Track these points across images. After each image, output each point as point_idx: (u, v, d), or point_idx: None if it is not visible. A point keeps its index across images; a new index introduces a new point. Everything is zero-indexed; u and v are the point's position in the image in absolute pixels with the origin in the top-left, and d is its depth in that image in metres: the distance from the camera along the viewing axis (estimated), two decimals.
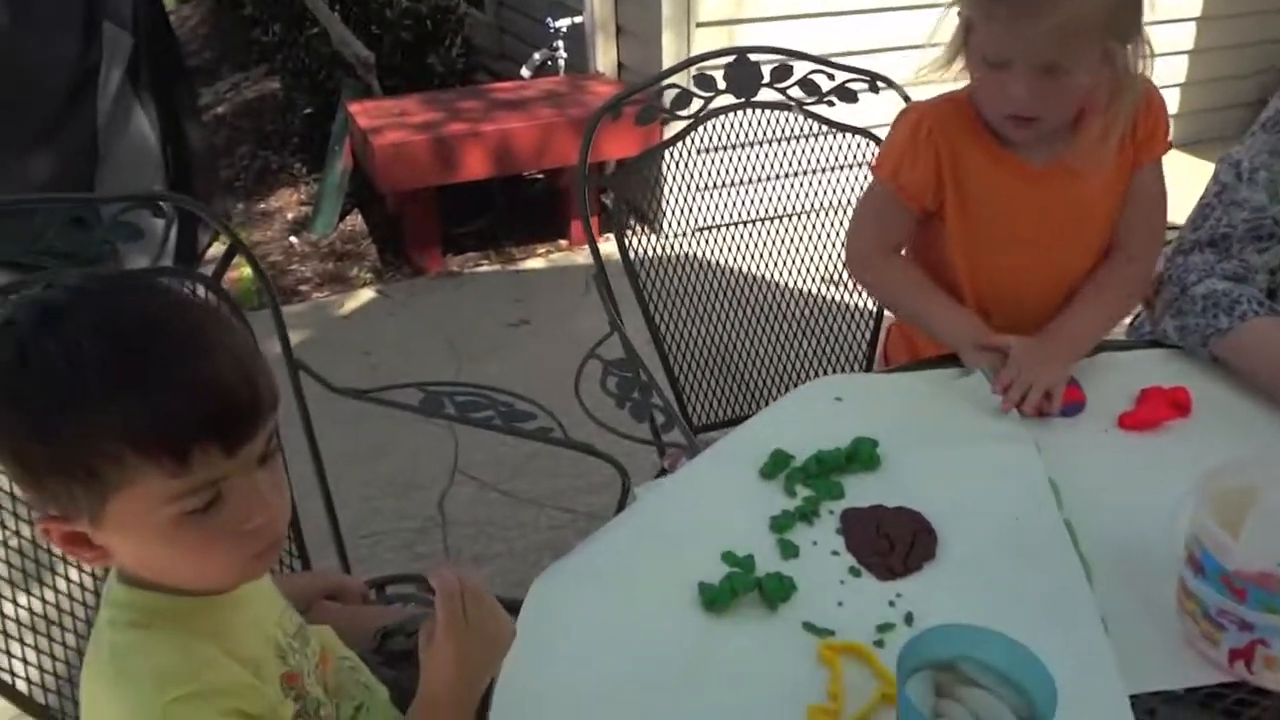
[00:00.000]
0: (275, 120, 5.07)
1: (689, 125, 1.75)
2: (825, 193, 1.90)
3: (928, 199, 1.43)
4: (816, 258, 1.90)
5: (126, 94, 3.44)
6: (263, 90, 5.45)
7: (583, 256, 3.93)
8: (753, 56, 1.76)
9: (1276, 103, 1.46)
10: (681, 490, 1.19)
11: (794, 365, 1.94)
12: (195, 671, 0.78)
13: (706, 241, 1.90)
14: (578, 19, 4.18)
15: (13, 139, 3.15)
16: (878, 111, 1.55)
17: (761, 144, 1.85)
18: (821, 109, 1.80)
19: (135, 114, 3.48)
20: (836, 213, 1.86)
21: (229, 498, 0.77)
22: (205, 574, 0.82)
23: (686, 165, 1.85)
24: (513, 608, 0.95)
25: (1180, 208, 1.54)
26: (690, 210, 1.99)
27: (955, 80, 1.40)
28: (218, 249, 3.77)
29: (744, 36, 3.71)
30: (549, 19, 4.25)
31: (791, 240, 1.90)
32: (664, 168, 1.86)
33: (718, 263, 1.92)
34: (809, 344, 1.94)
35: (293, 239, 4.07)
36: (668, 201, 1.94)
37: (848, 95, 1.80)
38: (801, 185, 1.91)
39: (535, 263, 3.92)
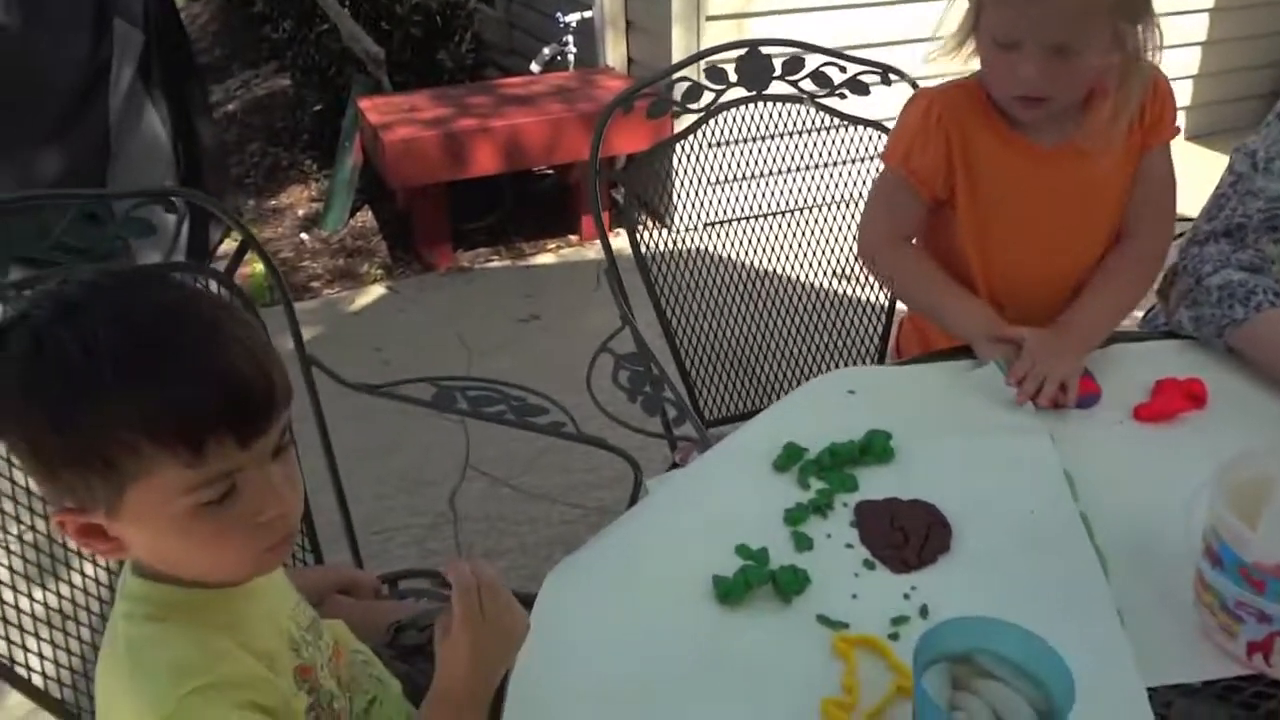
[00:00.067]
0: (286, 117, 5.08)
1: (700, 119, 1.75)
2: (837, 186, 1.90)
3: (939, 185, 1.43)
4: (828, 252, 1.89)
5: (138, 91, 3.45)
6: (273, 87, 5.46)
7: (593, 252, 3.92)
8: (764, 49, 1.75)
9: None
10: (695, 483, 1.19)
11: (806, 359, 1.94)
12: (210, 664, 0.79)
13: (717, 235, 1.89)
14: (587, 14, 4.18)
15: (25, 136, 3.16)
16: (890, 104, 1.54)
17: (772, 138, 1.84)
18: (833, 102, 1.80)
19: (147, 111, 3.49)
20: (848, 206, 1.85)
21: (243, 490, 0.78)
22: (220, 566, 0.82)
23: (697, 160, 1.85)
24: (525, 602, 0.95)
25: (1193, 199, 1.54)
26: (701, 204, 1.98)
27: (965, 64, 1.40)
28: (229, 245, 3.78)
29: (754, 30, 3.70)
30: (558, 14, 4.25)
31: (803, 234, 1.89)
32: (674, 162, 1.86)
33: (729, 257, 1.91)
34: (821, 338, 1.94)
35: (303, 235, 4.08)
36: (678, 195, 1.94)
37: (860, 88, 1.79)
38: (812, 179, 1.90)
39: (545, 258, 3.92)
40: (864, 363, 1.93)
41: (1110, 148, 1.37)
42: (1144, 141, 1.42)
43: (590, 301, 3.50)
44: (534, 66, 4.39)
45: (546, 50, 4.38)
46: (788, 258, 1.90)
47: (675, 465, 1.65)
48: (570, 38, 4.28)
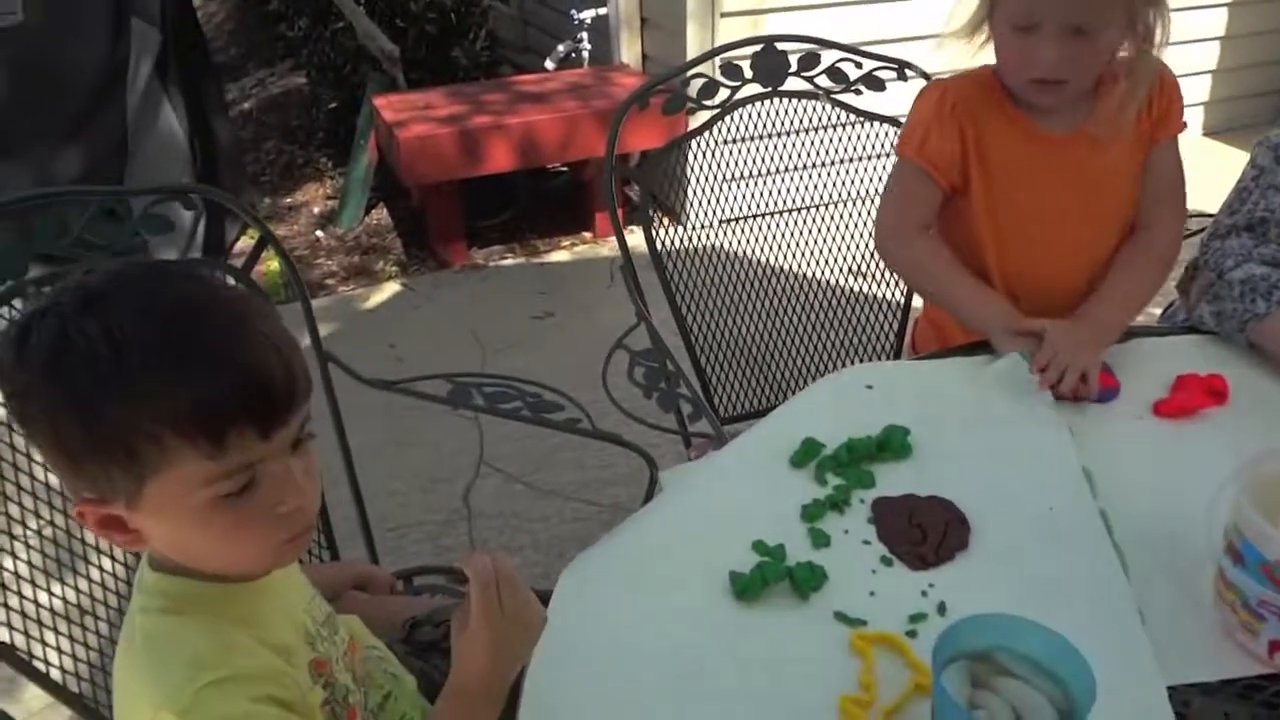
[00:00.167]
0: (301, 115, 5.10)
1: (715, 115, 1.74)
2: (852, 183, 1.89)
3: (954, 174, 1.44)
4: (844, 248, 1.89)
5: (155, 90, 3.46)
6: (288, 85, 5.48)
7: (607, 249, 3.92)
8: (780, 45, 1.74)
9: None
10: (711, 479, 1.18)
11: (821, 356, 1.93)
12: (227, 657, 0.79)
13: (732, 232, 1.89)
14: (602, 10, 4.17)
15: (43, 135, 3.18)
16: (905, 100, 1.54)
17: (786, 134, 1.83)
18: (849, 97, 1.79)
19: (164, 110, 3.51)
20: (863, 203, 1.84)
21: (263, 481, 0.78)
22: (238, 558, 0.82)
23: (712, 156, 1.84)
24: (541, 599, 0.94)
25: (1211, 194, 1.53)
26: (716, 201, 1.98)
27: (974, 56, 1.42)
28: (245, 243, 3.79)
29: (769, 25, 3.70)
30: (573, 11, 4.25)
31: (818, 231, 1.88)
32: (689, 159, 1.85)
33: (744, 253, 1.91)
34: (836, 335, 1.93)
35: (319, 233, 4.09)
36: (693, 192, 1.93)
37: (875, 83, 1.78)
38: (828, 175, 1.89)
39: (559, 255, 3.92)
40: (880, 359, 1.92)
41: (1120, 135, 1.39)
42: (1153, 134, 1.44)
43: (604, 298, 3.50)
44: (549, 64, 4.39)
45: (561, 47, 4.38)
46: (803, 254, 1.89)
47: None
48: (585, 35, 4.28)
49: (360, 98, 4.15)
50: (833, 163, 1.88)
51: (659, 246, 1.75)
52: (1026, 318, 1.36)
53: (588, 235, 4.03)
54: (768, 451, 1.20)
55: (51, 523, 1.22)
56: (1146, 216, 1.47)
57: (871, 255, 1.76)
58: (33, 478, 1.20)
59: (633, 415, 1.46)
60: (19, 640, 1.15)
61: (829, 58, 1.76)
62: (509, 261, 3.89)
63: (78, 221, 1.26)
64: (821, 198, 1.91)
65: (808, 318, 1.92)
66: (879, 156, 1.82)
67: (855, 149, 1.86)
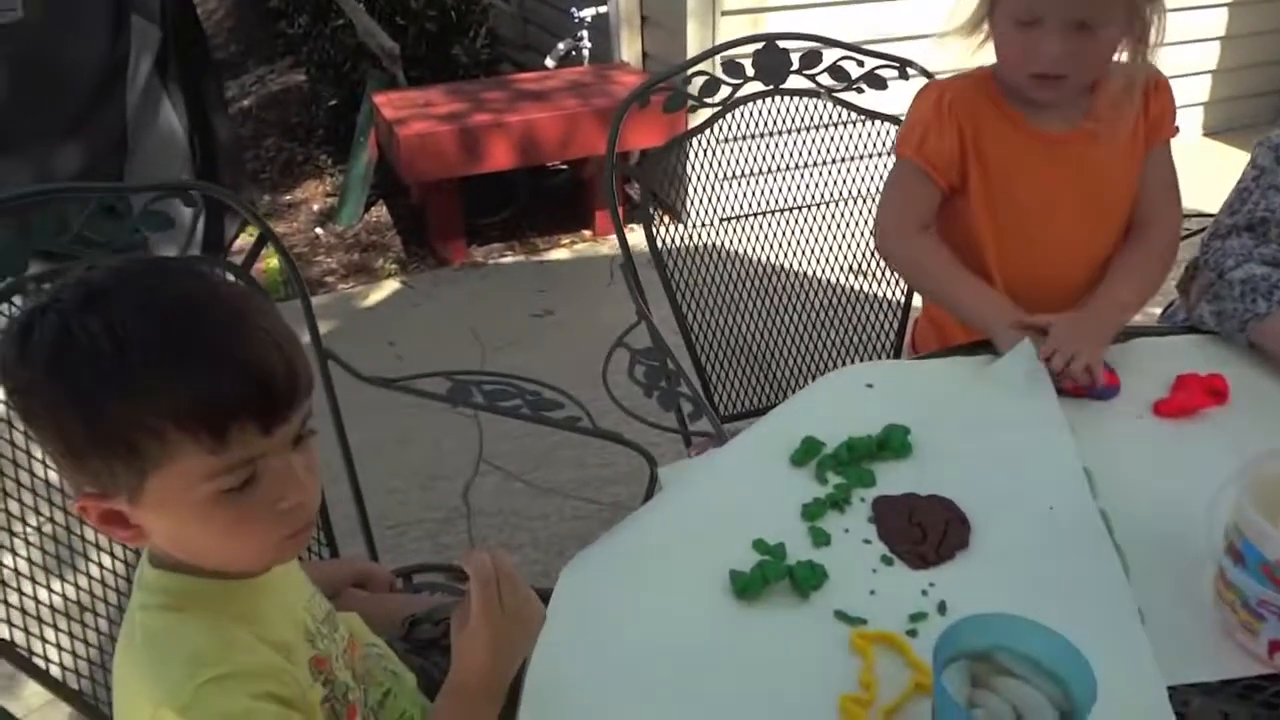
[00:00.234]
0: (300, 112, 5.10)
1: (716, 113, 1.74)
2: (853, 181, 1.89)
3: (953, 173, 1.45)
4: (844, 247, 1.89)
5: (155, 87, 3.46)
6: (288, 82, 5.48)
7: (606, 247, 3.92)
8: (781, 43, 1.74)
9: None
10: (711, 478, 1.18)
11: (821, 355, 1.93)
12: (227, 654, 0.79)
13: (732, 231, 1.88)
14: (602, 8, 4.17)
15: (43, 131, 3.17)
16: (907, 98, 1.54)
17: (786, 133, 1.83)
18: (850, 96, 1.79)
19: (163, 107, 3.51)
20: (864, 201, 1.84)
21: (264, 477, 0.78)
22: (239, 554, 0.82)
23: (712, 155, 1.84)
24: (540, 597, 0.94)
25: (1210, 194, 1.53)
26: (716, 199, 1.98)
27: (973, 55, 1.43)
28: (244, 241, 3.79)
29: (769, 24, 3.70)
30: (573, 9, 4.25)
31: (819, 229, 1.88)
32: (690, 157, 1.85)
33: (744, 252, 1.91)
34: (836, 334, 1.93)
35: (318, 230, 4.09)
36: (693, 191, 1.93)
37: (877, 82, 1.78)
38: (829, 174, 1.89)
39: (559, 253, 3.92)
40: (880, 358, 1.93)
41: (1117, 133, 1.41)
42: (1149, 136, 1.46)
43: (604, 297, 3.50)
44: (549, 61, 4.39)
45: (561, 45, 4.38)
46: (803, 253, 1.89)
47: None
48: (585, 33, 4.28)
49: (360, 95, 4.15)
50: (834, 161, 1.88)
51: (659, 245, 1.75)
52: (1027, 314, 1.36)
53: (588, 233, 4.02)
54: (768, 450, 1.20)
55: (51, 519, 1.22)
56: (1146, 216, 1.48)
57: (872, 254, 1.76)
58: (32, 474, 1.20)
59: (633, 414, 1.46)
60: (19, 637, 1.15)
61: (830, 56, 1.76)
62: (509, 259, 3.88)
63: (77, 218, 1.25)
64: (822, 196, 1.91)
65: (808, 316, 1.92)
66: (880, 155, 1.82)
67: (856, 147, 1.86)
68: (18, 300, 1.18)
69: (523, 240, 3.99)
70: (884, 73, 1.78)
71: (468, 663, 0.87)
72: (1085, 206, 1.45)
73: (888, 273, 1.79)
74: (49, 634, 1.20)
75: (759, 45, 1.74)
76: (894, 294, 1.91)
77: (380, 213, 4.18)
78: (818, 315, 1.92)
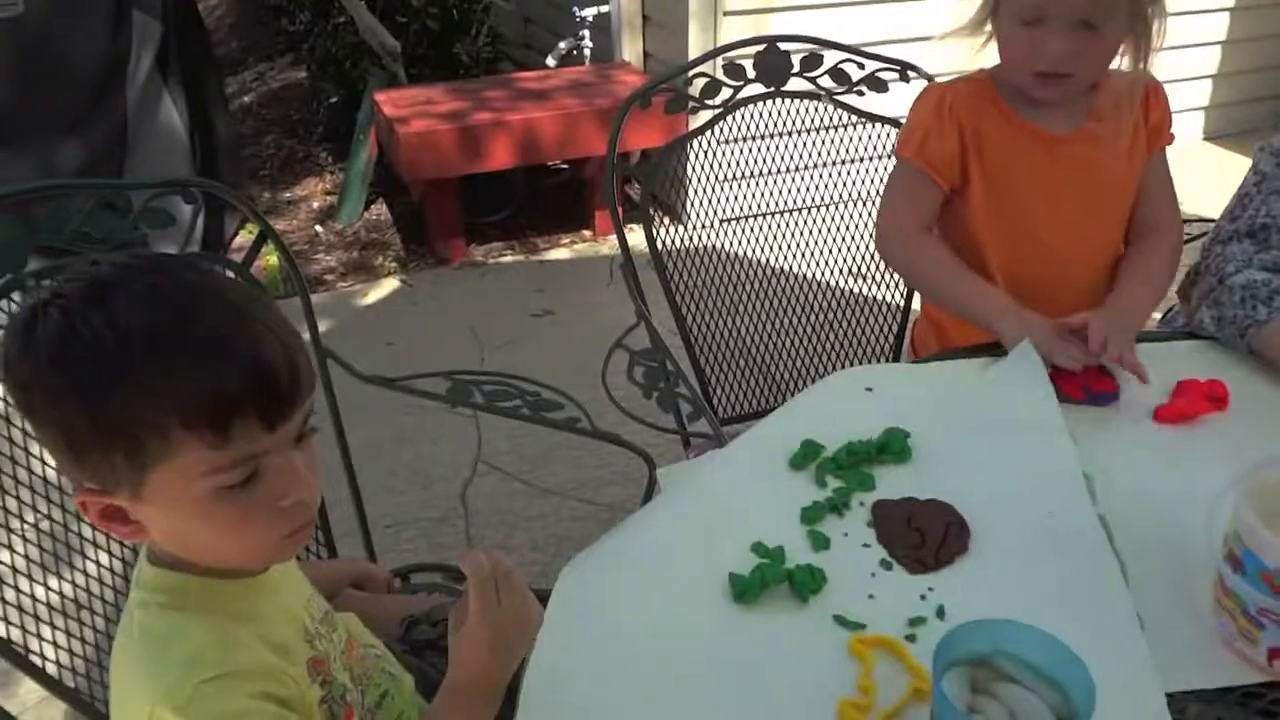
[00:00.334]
0: (301, 110, 5.09)
1: (717, 115, 1.74)
2: (853, 184, 1.89)
3: (954, 174, 1.46)
4: (844, 249, 1.89)
5: (155, 83, 3.46)
6: (289, 80, 5.47)
7: (606, 248, 3.92)
8: (782, 45, 1.74)
9: None
10: (711, 480, 1.18)
11: (821, 357, 1.93)
12: (225, 654, 0.79)
13: (733, 232, 1.88)
14: (604, 8, 4.17)
15: (44, 127, 3.17)
16: (908, 101, 1.54)
17: (786, 135, 1.83)
18: (851, 98, 1.79)
19: (164, 103, 3.51)
20: (864, 204, 1.84)
21: (265, 474, 0.78)
22: (239, 551, 0.82)
23: (712, 156, 1.84)
24: (538, 598, 0.94)
25: (1212, 199, 1.53)
26: (716, 201, 1.98)
27: (974, 56, 1.45)
28: (244, 238, 3.79)
29: (771, 25, 3.70)
30: (575, 8, 4.24)
31: (819, 231, 1.88)
32: (690, 158, 1.85)
33: (744, 253, 1.91)
34: (836, 336, 1.93)
35: (318, 228, 4.08)
36: (693, 192, 1.93)
37: (878, 85, 1.78)
38: (829, 176, 1.90)
39: (559, 253, 3.92)
40: (879, 360, 1.92)
41: (1118, 133, 1.42)
42: (1150, 142, 1.47)
43: (603, 297, 3.50)
44: (550, 61, 4.39)
45: (562, 45, 4.38)
46: (803, 255, 1.89)
47: None
48: (586, 32, 4.28)
49: (361, 93, 4.15)
50: (834, 163, 1.88)
51: (659, 246, 1.75)
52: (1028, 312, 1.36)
53: (587, 233, 4.02)
54: (767, 453, 1.19)
55: (48, 516, 1.22)
56: (1150, 221, 1.49)
57: (872, 256, 1.76)
58: (30, 471, 1.20)
59: (632, 415, 1.45)
60: (15, 634, 1.15)
61: (831, 58, 1.76)
62: (508, 259, 3.88)
63: (77, 214, 1.25)
64: (823, 198, 1.91)
65: (808, 318, 1.92)
66: (881, 158, 1.82)
67: (857, 150, 1.86)
68: (16, 297, 1.18)
69: (522, 240, 3.98)
70: (885, 75, 1.78)
71: (465, 663, 0.86)
72: (1086, 207, 1.46)
73: (888, 275, 1.79)
74: (45, 631, 1.20)
75: (760, 47, 1.74)
76: (894, 297, 1.90)
77: (380, 211, 4.18)
78: (817, 317, 1.92)
